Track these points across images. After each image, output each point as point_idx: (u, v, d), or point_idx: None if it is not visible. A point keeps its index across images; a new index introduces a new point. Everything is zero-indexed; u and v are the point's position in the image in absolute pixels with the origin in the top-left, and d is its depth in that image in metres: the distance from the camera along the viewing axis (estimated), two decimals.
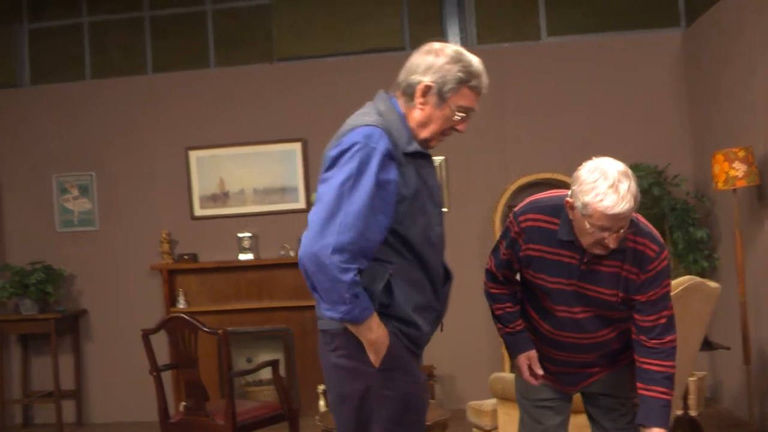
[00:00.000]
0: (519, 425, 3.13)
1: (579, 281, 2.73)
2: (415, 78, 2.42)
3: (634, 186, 2.54)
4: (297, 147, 6.44)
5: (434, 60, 2.41)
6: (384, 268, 2.34)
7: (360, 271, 2.26)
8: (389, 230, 2.34)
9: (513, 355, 3.01)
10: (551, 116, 6.24)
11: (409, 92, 2.43)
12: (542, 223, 2.73)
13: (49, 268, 6.43)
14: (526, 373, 2.93)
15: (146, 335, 4.29)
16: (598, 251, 2.62)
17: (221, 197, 6.53)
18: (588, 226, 2.55)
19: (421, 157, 2.44)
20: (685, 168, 6.01)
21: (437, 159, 6.29)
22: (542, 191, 4.90)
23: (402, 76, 2.47)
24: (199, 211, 6.55)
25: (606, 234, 2.55)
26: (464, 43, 6.89)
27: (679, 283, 3.78)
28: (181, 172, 6.58)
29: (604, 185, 2.50)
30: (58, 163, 6.74)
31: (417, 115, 2.43)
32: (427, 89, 2.40)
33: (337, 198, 2.24)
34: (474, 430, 4.25)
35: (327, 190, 2.28)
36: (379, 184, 2.28)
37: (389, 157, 2.31)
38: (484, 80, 2.47)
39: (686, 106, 6.14)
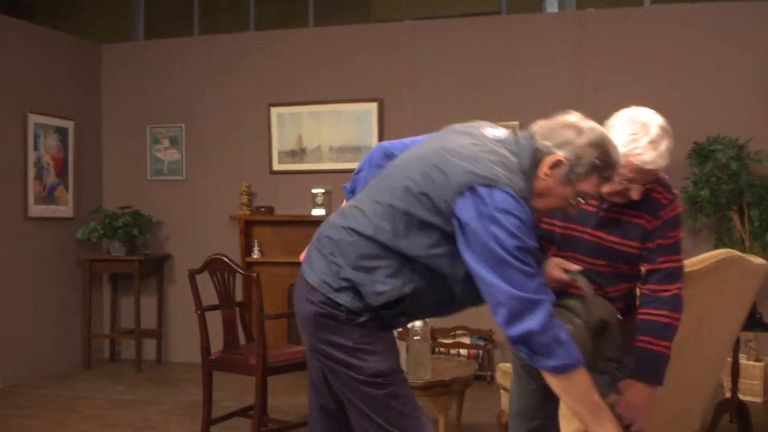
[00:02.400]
0: (511, 385, 3.11)
1: (594, 229, 2.66)
2: (549, 146, 2.26)
3: (671, 143, 2.51)
4: (373, 107, 6.51)
5: (575, 137, 2.26)
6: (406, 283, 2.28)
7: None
8: (435, 261, 2.26)
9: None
10: (633, 82, 6.02)
11: (536, 157, 2.26)
12: None
13: (137, 213, 6.82)
14: (560, 273, 2.64)
15: (192, 275, 4.50)
16: (617, 200, 2.58)
17: (299, 153, 6.71)
18: (617, 175, 2.46)
19: None
20: None
21: (512, 124, 6.22)
22: None
23: (536, 134, 2.30)
24: (277, 166, 6.75)
25: (632, 185, 2.51)
26: (562, 7, 6.76)
27: (712, 256, 3.62)
28: (262, 127, 6.80)
29: (644, 139, 2.46)
30: (152, 115, 7.11)
31: (539, 183, 2.28)
32: (558, 164, 2.25)
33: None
34: (501, 391, 4.23)
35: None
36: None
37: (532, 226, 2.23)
38: (618, 171, 2.34)
39: None
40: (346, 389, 2.34)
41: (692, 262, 3.56)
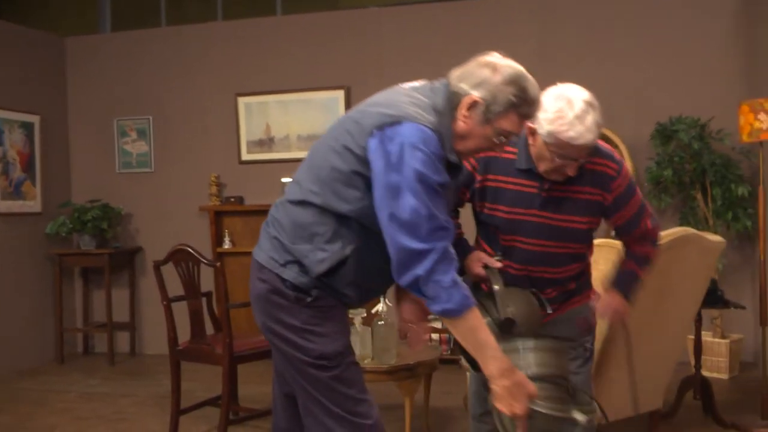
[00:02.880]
0: (469, 375, 3.14)
1: (540, 210, 2.68)
2: (465, 88, 2.26)
3: (598, 116, 2.51)
4: (340, 95, 6.52)
5: (490, 75, 2.24)
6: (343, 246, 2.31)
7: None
8: (367, 213, 2.26)
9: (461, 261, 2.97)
10: (596, 65, 6.06)
11: (454, 101, 2.27)
12: (507, 154, 2.66)
13: (106, 206, 6.80)
14: (478, 268, 2.75)
15: (157, 266, 4.50)
16: (555, 177, 2.59)
17: (267, 142, 6.71)
18: (549, 153, 2.52)
19: (455, 167, 2.33)
20: (734, 123, 5.73)
21: None
22: None
23: (453, 78, 2.30)
24: (246, 156, 6.76)
25: (567, 162, 2.52)
26: None
27: (668, 234, 3.67)
28: (230, 117, 6.80)
29: (570, 114, 2.46)
30: (119, 107, 7.08)
31: (459, 126, 2.28)
32: (474, 104, 2.24)
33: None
34: (467, 373, 4.27)
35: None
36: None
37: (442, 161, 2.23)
38: (537, 107, 2.33)
39: (740, 60, 5.84)
40: (293, 369, 2.38)
41: None
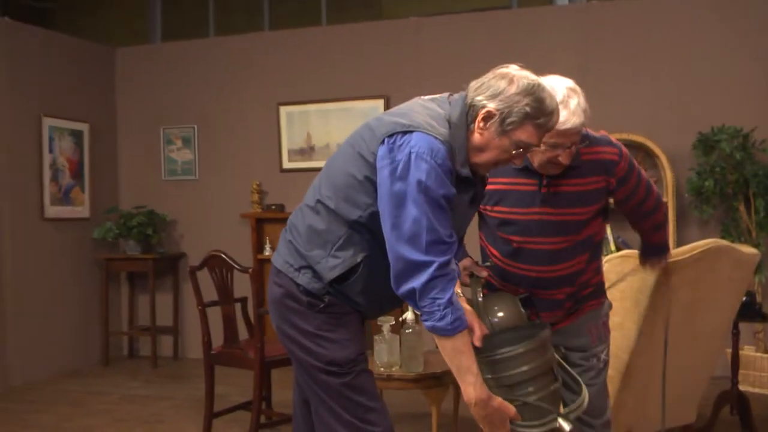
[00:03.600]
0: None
1: (541, 207, 2.69)
2: (481, 100, 2.26)
3: (582, 100, 2.54)
4: (380, 104, 6.57)
5: (506, 87, 2.24)
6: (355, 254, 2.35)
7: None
8: (377, 220, 2.28)
9: None
10: (636, 75, 6.00)
11: (471, 113, 2.28)
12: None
13: (152, 212, 6.95)
14: (465, 278, 2.75)
15: (193, 271, 4.59)
16: (551, 171, 2.61)
17: (308, 151, 6.79)
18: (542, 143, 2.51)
19: (466, 181, 2.33)
20: None
21: None
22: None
23: (471, 90, 2.32)
24: (287, 164, 6.84)
25: (558, 151, 2.54)
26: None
27: (698, 246, 3.60)
28: (272, 126, 6.89)
29: (555, 101, 2.46)
30: (166, 116, 7.24)
31: (475, 138, 2.29)
32: (489, 116, 2.25)
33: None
34: None
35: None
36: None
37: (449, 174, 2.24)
38: (555, 119, 2.31)
39: None
40: (305, 374, 2.42)
41: (678, 252, 3.56)
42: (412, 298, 2.17)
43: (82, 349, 6.84)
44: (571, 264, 2.76)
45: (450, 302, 2.16)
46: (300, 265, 2.39)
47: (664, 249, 3.14)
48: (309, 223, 2.39)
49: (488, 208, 2.77)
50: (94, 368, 6.77)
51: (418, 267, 2.15)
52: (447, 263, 2.17)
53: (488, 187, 2.68)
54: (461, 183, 2.29)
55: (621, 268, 3.57)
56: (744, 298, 4.33)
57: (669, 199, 5.65)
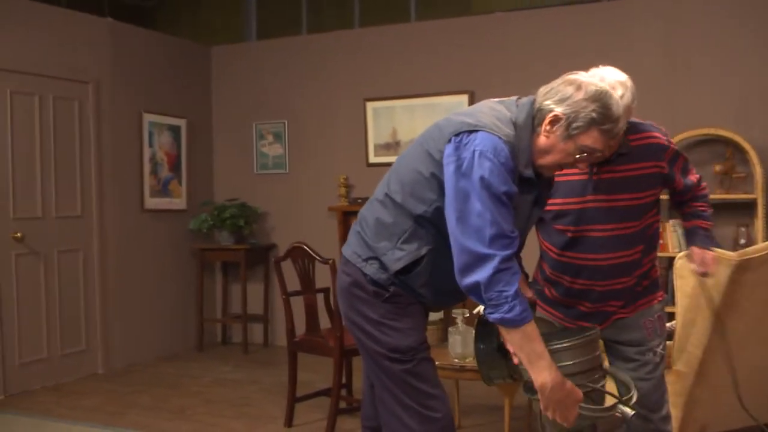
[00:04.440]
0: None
1: (594, 194, 2.75)
2: (548, 105, 2.34)
3: (629, 96, 2.63)
4: (464, 99, 6.64)
5: (573, 92, 2.33)
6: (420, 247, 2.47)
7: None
8: (441, 215, 2.39)
9: None
10: (724, 63, 5.87)
11: (539, 117, 2.37)
12: None
13: (244, 204, 7.24)
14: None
15: (277, 262, 4.81)
16: (594, 160, 2.61)
17: (393, 146, 6.93)
18: None
19: (529, 182, 2.41)
20: None
21: None
22: (707, 148, 4.89)
23: (540, 94, 2.40)
24: (373, 159, 7.00)
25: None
26: None
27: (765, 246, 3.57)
28: (359, 121, 7.06)
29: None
30: (258, 112, 7.51)
31: (541, 141, 2.37)
32: (556, 120, 2.33)
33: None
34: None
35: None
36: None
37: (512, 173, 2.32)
38: (621, 124, 2.38)
39: None
40: (370, 359, 2.56)
41: (754, 250, 3.54)
42: (476, 290, 2.26)
43: (179, 335, 7.19)
44: (627, 254, 2.82)
45: (517, 294, 2.24)
46: (368, 256, 2.53)
47: (708, 237, 3.10)
48: (377, 216, 2.52)
49: None
50: (189, 353, 7.11)
51: (482, 259, 2.23)
52: (510, 257, 2.26)
53: None
54: (524, 183, 2.37)
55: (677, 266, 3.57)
56: None
57: (759, 195, 5.53)
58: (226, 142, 7.68)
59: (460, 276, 2.29)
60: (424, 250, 2.46)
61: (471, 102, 6.59)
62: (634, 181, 2.73)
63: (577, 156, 2.37)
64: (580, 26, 6.35)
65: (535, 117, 2.36)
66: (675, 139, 5.73)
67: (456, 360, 4.13)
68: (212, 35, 8.16)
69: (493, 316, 2.26)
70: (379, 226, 2.51)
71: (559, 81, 2.39)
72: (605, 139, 2.36)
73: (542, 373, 2.28)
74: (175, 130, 7.19)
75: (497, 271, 2.23)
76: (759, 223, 5.51)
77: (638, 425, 2.89)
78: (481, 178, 2.24)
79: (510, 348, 2.35)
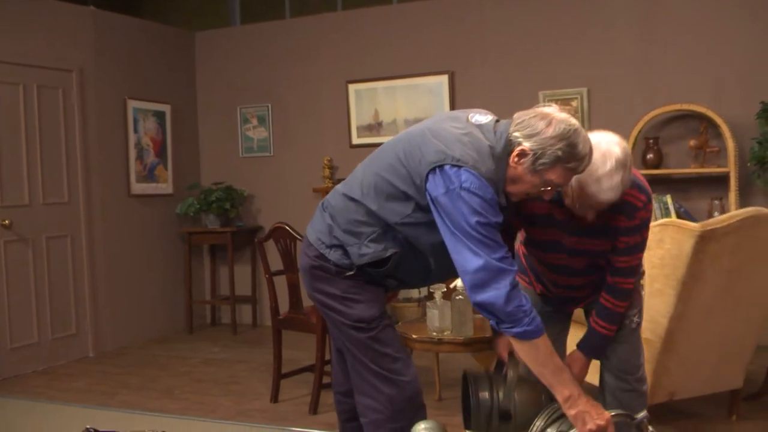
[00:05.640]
0: None
1: (570, 235, 2.82)
2: (518, 138, 2.41)
3: (627, 176, 2.55)
4: (444, 79, 6.73)
5: (543, 128, 2.39)
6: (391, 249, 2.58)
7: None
8: (411, 231, 2.53)
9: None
10: (700, 44, 5.98)
11: (509, 147, 2.43)
12: None
13: (230, 188, 7.33)
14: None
15: (260, 242, 4.92)
16: (579, 213, 2.68)
17: (376, 127, 7.03)
18: (572, 195, 2.62)
19: (502, 209, 2.48)
20: None
21: (580, 90, 6.30)
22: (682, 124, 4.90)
23: (513, 123, 2.46)
24: (356, 140, 7.09)
25: (589, 209, 2.62)
26: None
27: (737, 214, 3.68)
28: (341, 104, 7.15)
29: (599, 170, 2.52)
30: (242, 96, 7.60)
31: (510, 170, 2.45)
32: (523, 154, 2.40)
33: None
34: None
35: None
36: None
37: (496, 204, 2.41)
38: (586, 163, 2.43)
39: None
40: (337, 330, 2.69)
41: (717, 221, 3.66)
42: (493, 307, 2.35)
43: (168, 318, 7.30)
44: (593, 278, 2.96)
45: (532, 308, 2.39)
46: (332, 244, 2.64)
47: (596, 347, 2.95)
48: (347, 210, 2.62)
49: (523, 224, 2.92)
50: (179, 335, 7.23)
51: (498, 273, 2.34)
52: (516, 274, 2.39)
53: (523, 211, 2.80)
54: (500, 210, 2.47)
55: (660, 236, 3.68)
56: None
57: (731, 169, 5.65)
58: (211, 126, 7.76)
59: (475, 293, 2.37)
60: (389, 252, 2.58)
61: (451, 82, 6.69)
62: (604, 228, 2.76)
63: (541, 188, 2.46)
64: (559, 5, 6.43)
65: (507, 146, 2.44)
66: (651, 115, 5.87)
67: (434, 333, 4.23)
68: (196, 20, 8.22)
69: (514, 331, 2.37)
70: (348, 221, 2.61)
71: (532, 113, 2.45)
72: (570, 175, 2.45)
73: (567, 385, 2.42)
74: (160, 116, 7.27)
75: (514, 287, 2.35)
76: (732, 195, 5.63)
77: (614, 384, 3.03)
78: (476, 211, 2.34)
79: (531, 366, 2.45)
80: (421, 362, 5.39)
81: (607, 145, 2.56)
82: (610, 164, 2.51)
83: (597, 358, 3.01)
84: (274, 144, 7.49)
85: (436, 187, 2.39)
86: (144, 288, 7.03)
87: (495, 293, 2.33)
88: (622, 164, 2.53)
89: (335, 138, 7.19)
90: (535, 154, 2.38)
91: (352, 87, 7.08)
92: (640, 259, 2.89)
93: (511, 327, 2.36)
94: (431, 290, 4.37)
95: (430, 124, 2.57)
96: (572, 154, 2.38)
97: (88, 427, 1.84)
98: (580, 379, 2.92)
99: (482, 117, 2.54)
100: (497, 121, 2.53)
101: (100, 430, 1.85)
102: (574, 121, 2.42)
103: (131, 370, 5.87)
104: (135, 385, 5.45)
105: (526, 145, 2.39)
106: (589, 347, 2.94)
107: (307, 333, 4.80)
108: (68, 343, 6.27)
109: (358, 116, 7.09)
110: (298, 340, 5.53)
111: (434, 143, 2.44)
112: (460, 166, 2.36)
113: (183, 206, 7.25)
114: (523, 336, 2.37)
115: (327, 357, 4.90)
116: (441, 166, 2.38)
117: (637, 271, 2.89)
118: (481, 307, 2.38)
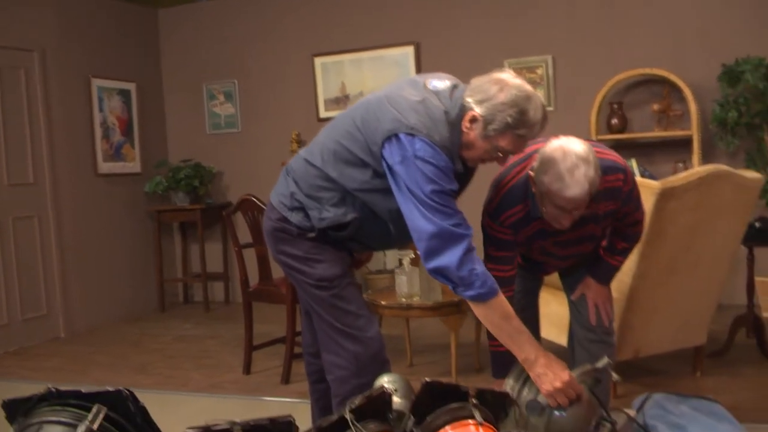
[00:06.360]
0: None
1: (556, 237, 2.85)
2: (470, 103, 2.41)
3: (591, 171, 2.51)
4: (410, 50, 6.73)
5: (495, 93, 2.38)
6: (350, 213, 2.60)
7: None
8: (369, 197, 2.55)
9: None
10: (660, 9, 6.02)
11: (461, 112, 2.43)
12: (520, 214, 2.75)
13: (198, 165, 7.30)
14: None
15: (228, 216, 4.91)
16: (555, 225, 2.69)
17: (343, 100, 7.02)
18: (543, 201, 2.63)
19: (459, 175, 2.49)
20: None
21: (545, 58, 6.33)
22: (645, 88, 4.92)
23: (468, 89, 2.45)
24: (323, 113, 7.09)
25: (561, 213, 2.61)
26: None
27: (697, 171, 3.74)
28: (308, 77, 7.13)
29: (561, 168, 2.52)
30: (208, 72, 7.55)
31: (464, 135, 2.45)
32: (474, 119, 2.40)
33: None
34: None
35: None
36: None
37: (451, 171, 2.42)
38: (537, 130, 2.42)
39: None
40: (301, 290, 2.72)
41: (677, 178, 3.72)
42: (446, 271, 2.36)
43: (140, 297, 7.28)
44: (588, 250, 3.04)
45: (485, 272, 2.40)
46: (293, 206, 2.66)
47: (609, 275, 3.10)
48: (309, 175, 2.64)
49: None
50: (151, 314, 7.22)
51: (452, 239, 2.34)
52: (471, 239, 2.39)
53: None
54: (456, 177, 2.48)
55: None
56: (757, 224, 4.44)
57: (694, 131, 5.71)
58: (178, 104, 7.71)
59: (429, 260, 2.38)
60: (349, 217, 2.60)
61: (417, 53, 6.70)
62: (596, 217, 2.80)
63: (493, 155, 2.47)
64: None
65: (461, 111, 2.44)
66: (614, 80, 5.91)
67: (403, 299, 4.28)
68: None
69: (468, 294, 2.39)
70: (310, 186, 2.63)
71: (487, 78, 2.44)
72: (521, 142, 2.45)
73: (525, 346, 2.44)
74: (125, 94, 7.21)
75: (468, 251, 2.37)
76: (695, 158, 5.70)
77: (582, 335, 3.10)
78: (429, 179, 2.36)
79: (489, 328, 2.49)
80: (393, 331, 5.45)
81: (567, 144, 2.57)
82: (570, 160, 2.51)
83: (608, 284, 3.10)
84: (241, 120, 7.46)
85: (391, 155, 2.41)
86: (114, 268, 7.00)
87: (448, 259, 2.34)
88: (583, 159, 2.52)
89: (303, 112, 7.17)
90: (485, 119, 2.39)
91: (318, 60, 7.06)
92: (642, 214, 2.98)
93: (465, 290, 2.39)
94: (399, 257, 4.41)
95: (389, 90, 2.58)
96: (522, 121, 2.38)
97: (49, 386, 1.84)
98: (611, 301, 3.08)
99: (440, 83, 2.55)
100: (455, 86, 2.54)
101: (62, 389, 1.85)
102: (527, 88, 2.42)
103: (103, 349, 5.86)
104: (106, 363, 5.44)
105: (477, 110, 2.40)
106: (602, 276, 3.07)
107: (277, 304, 4.81)
108: (39, 324, 6.24)
109: (324, 89, 7.07)
110: (270, 313, 5.55)
111: (390, 111, 2.45)
112: (414, 135, 2.38)
113: (151, 184, 7.21)
114: (477, 299, 2.40)
115: (298, 329, 4.95)
116: (396, 135, 2.40)
117: (643, 219, 3.00)
118: (435, 272, 2.40)
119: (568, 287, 3.23)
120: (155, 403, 2.48)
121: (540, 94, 6.16)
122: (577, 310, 3.12)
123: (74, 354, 5.75)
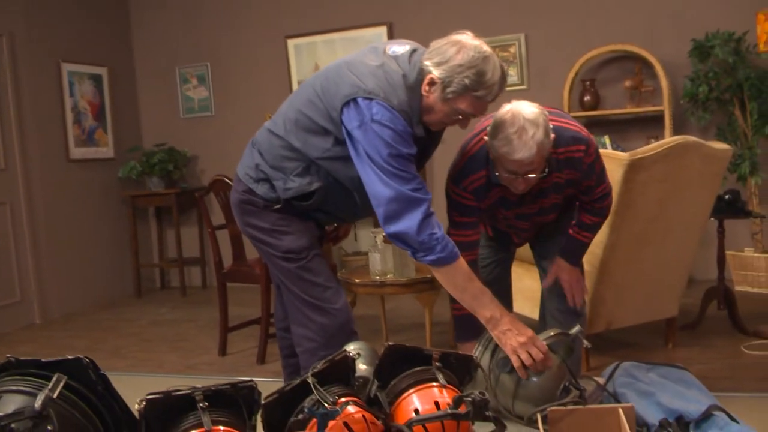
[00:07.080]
0: None
1: (518, 207, 2.88)
2: (428, 66, 2.40)
3: (540, 134, 2.52)
4: (383, 31, 6.71)
5: (453, 55, 2.37)
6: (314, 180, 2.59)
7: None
8: (332, 164, 2.54)
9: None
10: None
11: (420, 76, 2.43)
12: (482, 180, 2.76)
13: (172, 149, 7.25)
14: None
15: (201, 197, 4.88)
16: (512, 190, 2.71)
17: None
18: (497, 166, 2.66)
19: (420, 139, 2.49)
20: None
21: (518, 36, 6.33)
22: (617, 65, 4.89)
23: (427, 51, 2.45)
24: None
25: (514, 177, 2.63)
26: None
27: (665, 143, 3.76)
28: (281, 59, 7.09)
29: (509, 130, 2.53)
30: (180, 56, 7.49)
31: (424, 99, 2.44)
32: (432, 82, 2.40)
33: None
34: None
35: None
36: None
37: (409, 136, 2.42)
38: (495, 91, 2.41)
39: None
40: (269, 262, 2.72)
41: (645, 149, 3.73)
42: (405, 236, 2.36)
43: (116, 282, 7.24)
44: (549, 218, 3.06)
45: (444, 236, 2.40)
46: (259, 178, 2.66)
47: (579, 253, 3.11)
48: (273, 146, 2.64)
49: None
50: (127, 299, 7.18)
51: (411, 203, 2.34)
52: (430, 203, 2.40)
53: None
54: (416, 141, 2.47)
55: None
56: (727, 196, 4.48)
57: (666, 107, 5.74)
58: (150, 88, 7.64)
59: (388, 225, 2.38)
60: (314, 186, 2.59)
61: (390, 34, 6.68)
62: (557, 186, 2.82)
63: (453, 118, 2.46)
64: None
65: (419, 75, 2.43)
66: (586, 57, 5.92)
67: (377, 277, 4.28)
68: None
69: (428, 258, 2.39)
70: (274, 157, 2.63)
71: (445, 41, 2.44)
72: (480, 104, 2.44)
73: (489, 305, 2.46)
74: (96, 79, 7.14)
75: (427, 215, 2.36)
76: (667, 133, 5.73)
77: (553, 306, 3.14)
78: (387, 144, 2.35)
79: (450, 291, 2.51)
80: (368, 311, 5.45)
81: (517, 108, 2.59)
82: (518, 123, 2.53)
83: (577, 265, 3.10)
84: (214, 103, 7.42)
85: (350, 120, 2.41)
86: (89, 254, 6.95)
87: (407, 224, 2.34)
88: (531, 122, 2.53)
89: (276, 94, 7.12)
90: (443, 82, 2.39)
91: (291, 42, 7.02)
92: (607, 186, 2.98)
93: (425, 255, 2.39)
94: (372, 233, 4.41)
95: (349, 58, 2.58)
96: (480, 82, 2.38)
97: (8, 356, 1.83)
98: (582, 284, 3.08)
99: (399, 48, 2.55)
100: (414, 50, 2.53)
101: (22, 358, 1.84)
102: (485, 48, 2.41)
103: (78, 334, 5.83)
104: (81, 347, 5.41)
105: (435, 73, 2.39)
106: (572, 255, 3.07)
107: (251, 285, 4.80)
108: (13, 311, 6.19)
109: (298, 71, 7.04)
110: (246, 296, 5.54)
111: (349, 76, 2.45)
112: (371, 99, 2.37)
113: (125, 169, 7.15)
114: (437, 263, 2.41)
115: (272, 310, 4.94)
116: (354, 99, 2.39)
117: (609, 193, 3.00)
118: (394, 237, 2.40)
119: (541, 268, 3.25)
120: (129, 386, 2.48)
121: (513, 73, 6.21)
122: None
123: (49, 340, 5.72)
